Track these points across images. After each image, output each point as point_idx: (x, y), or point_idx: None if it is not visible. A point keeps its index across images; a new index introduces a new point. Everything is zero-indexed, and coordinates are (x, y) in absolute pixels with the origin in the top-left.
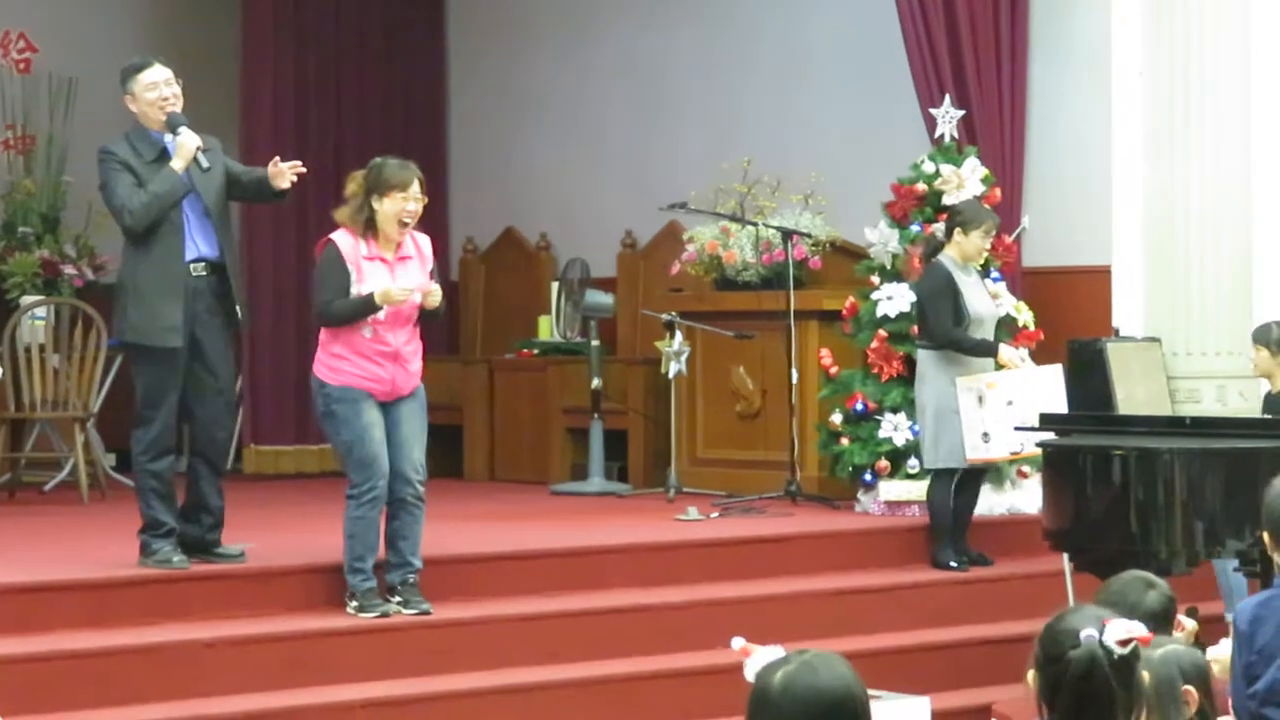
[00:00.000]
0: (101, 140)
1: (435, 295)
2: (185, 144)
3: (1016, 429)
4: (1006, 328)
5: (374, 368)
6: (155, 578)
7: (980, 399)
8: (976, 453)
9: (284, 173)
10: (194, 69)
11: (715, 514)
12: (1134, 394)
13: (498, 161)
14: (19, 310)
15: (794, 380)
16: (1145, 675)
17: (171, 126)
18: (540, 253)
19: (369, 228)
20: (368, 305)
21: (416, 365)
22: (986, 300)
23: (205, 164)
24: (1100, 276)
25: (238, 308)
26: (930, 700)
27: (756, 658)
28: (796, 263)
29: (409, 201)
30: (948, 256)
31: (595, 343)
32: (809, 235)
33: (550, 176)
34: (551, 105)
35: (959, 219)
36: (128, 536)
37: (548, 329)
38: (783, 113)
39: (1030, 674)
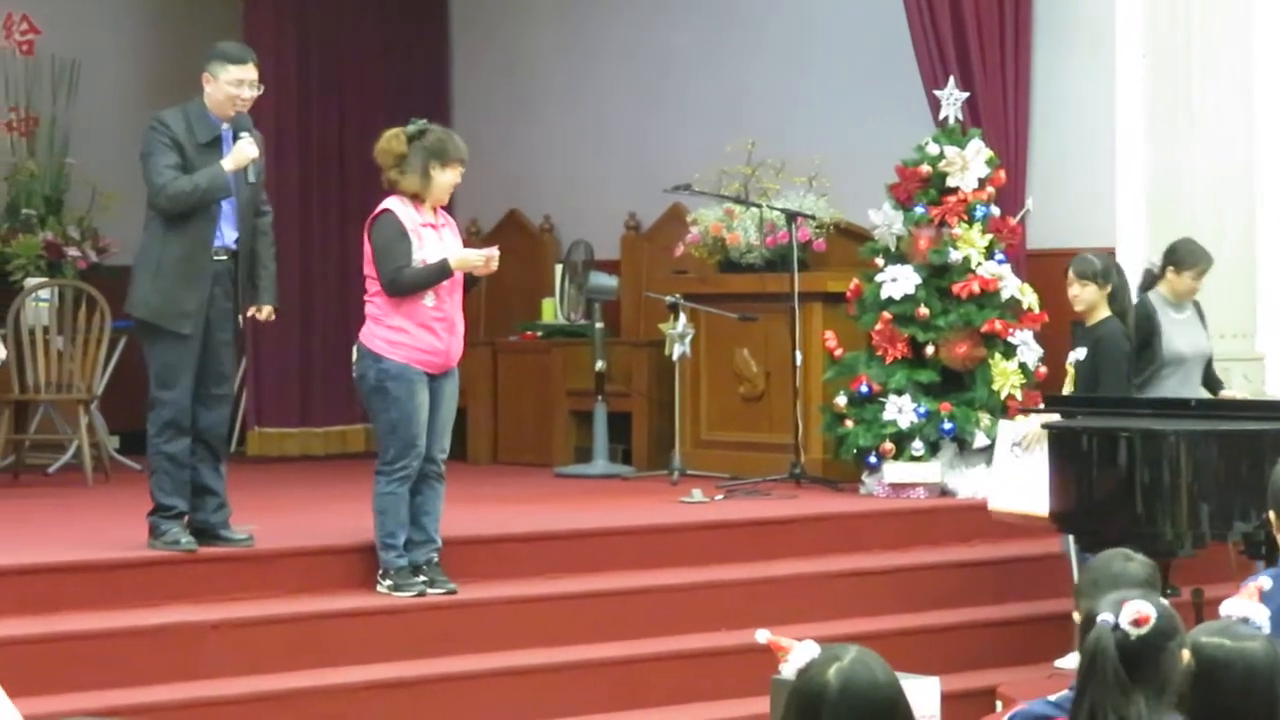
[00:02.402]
0: (104, 122)
1: (496, 260)
2: (245, 151)
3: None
4: (1011, 310)
5: (432, 339)
6: (160, 559)
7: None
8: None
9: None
10: (194, 50)
11: (719, 496)
12: None
13: (501, 144)
14: (23, 292)
15: (798, 362)
16: (1185, 655)
17: (239, 128)
18: (544, 235)
19: (419, 195)
20: (443, 271)
21: (462, 338)
22: (1193, 338)
23: (253, 177)
24: None
25: (256, 308)
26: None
27: (798, 654)
28: (800, 245)
29: (460, 177)
30: (1158, 293)
31: (599, 325)
32: (813, 217)
33: (554, 159)
34: (555, 87)
35: (1173, 257)
36: (133, 518)
37: (551, 311)
38: (787, 95)
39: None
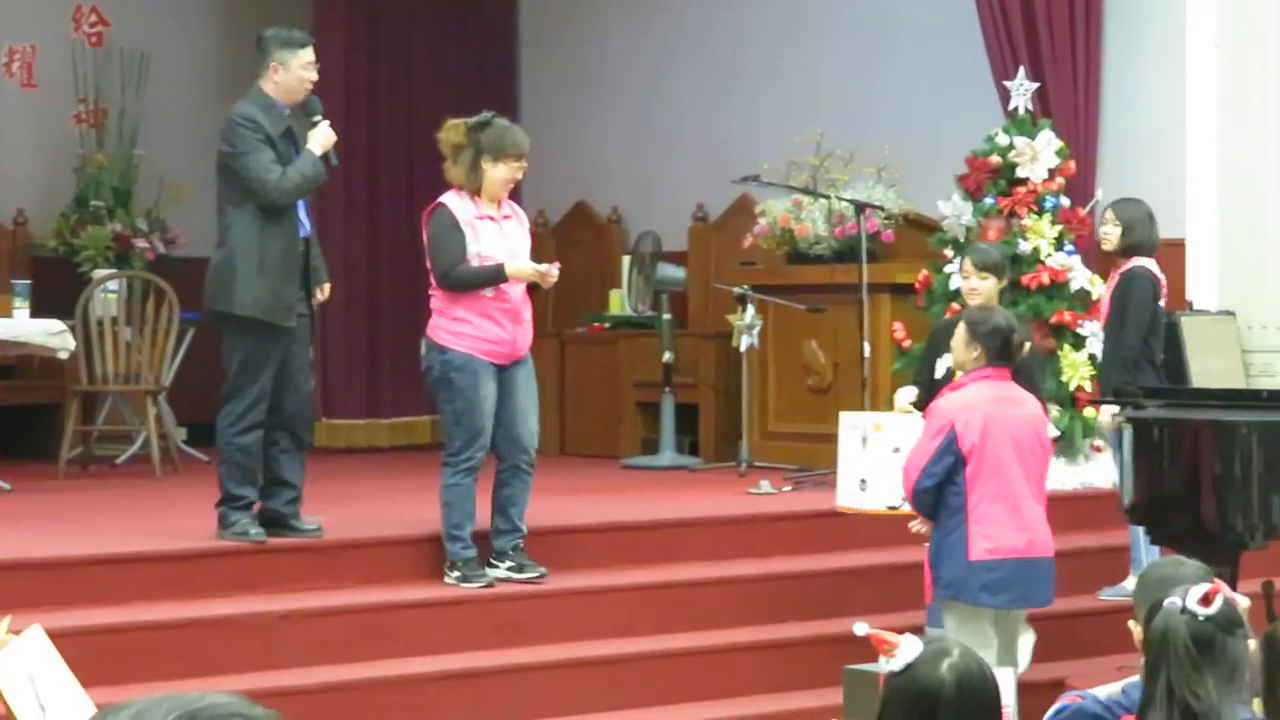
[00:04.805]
0: (172, 114)
1: (554, 277)
2: (328, 135)
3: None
4: (1080, 302)
5: (496, 329)
6: (230, 550)
7: (864, 440)
8: (849, 500)
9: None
10: None
11: (787, 488)
12: (1209, 368)
13: (569, 134)
14: (91, 284)
15: (866, 354)
16: (1252, 645)
17: (312, 111)
18: (611, 226)
19: (468, 188)
20: (497, 276)
21: (531, 327)
22: None
23: (335, 160)
24: (1175, 250)
25: (318, 288)
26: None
27: (905, 649)
28: (869, 236)
29: (519, 171)
30: None
31: (666, 316)
32: (882, 208)
33: (622, 149)
34: (624, 78)
35: None
36: (201, 509)
37: (619, 302)
38: (856, 86)
39: (1133, 625)
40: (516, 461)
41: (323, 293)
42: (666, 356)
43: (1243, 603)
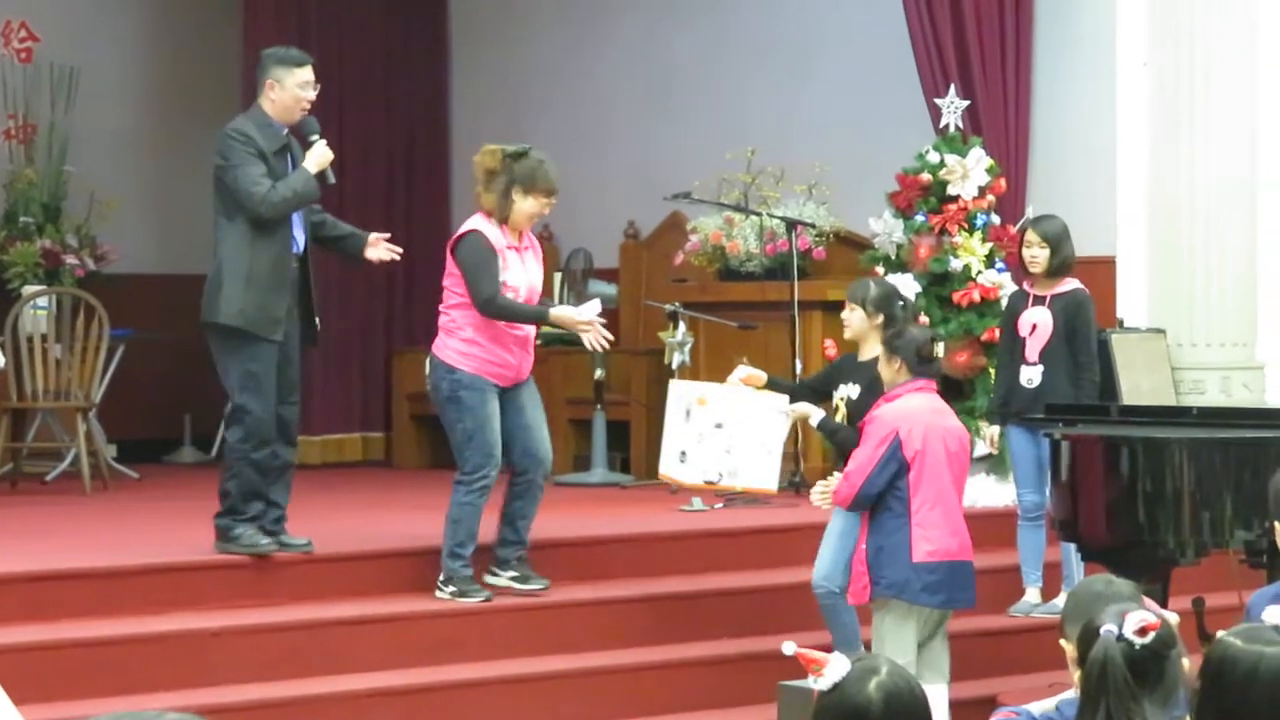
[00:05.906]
0: (102, 130)
1: (591, 336)
2: (324, 154)
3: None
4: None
5: (505, 354)
6: (161, 567)
7: (688, 413)
8: (669, 470)
9: (382, 251)
10: (194, 59)
11: (719, 505)
12: (1138, 385)
13: None
14: (20, 300)
15: (798, 371)
16: (1185, 664)
17: (310, 130)
18: (543, 243)
19: (504, 218)
20: (539, 318)
21: (533, 352)
22: None
23: (332, 179)
24: (1104, 267)
25: (314, 308)
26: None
27: (833, 668)
28: (800, 253)
29: (547, 207)
30: None
31: None
32: (813, 225)
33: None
34: (554, 94)
35: None
36: (131, 526)
37: None
38: (787, 103)
39: (1064, 643)
40: (534, 476)
41: (381, 243)
42: (598, 374)
43: (1173, 619)
